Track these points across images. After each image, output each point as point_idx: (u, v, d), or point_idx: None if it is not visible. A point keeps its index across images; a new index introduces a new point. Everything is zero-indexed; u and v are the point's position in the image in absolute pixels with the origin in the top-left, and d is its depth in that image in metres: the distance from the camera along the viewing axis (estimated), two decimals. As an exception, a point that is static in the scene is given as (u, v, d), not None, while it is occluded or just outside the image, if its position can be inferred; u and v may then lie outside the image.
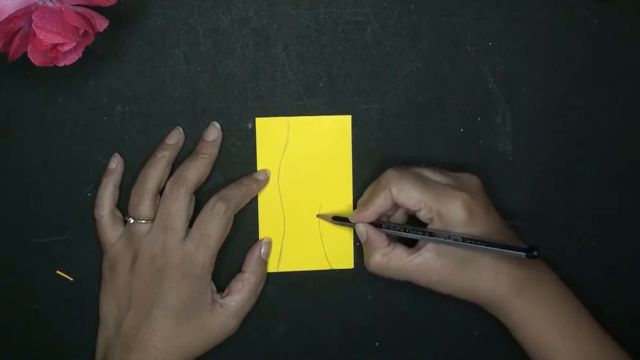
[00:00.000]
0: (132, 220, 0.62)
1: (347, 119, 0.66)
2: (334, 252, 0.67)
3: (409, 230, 0.61)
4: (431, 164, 0.66)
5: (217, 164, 0.65)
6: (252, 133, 0.66)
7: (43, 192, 0.65)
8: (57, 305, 0.67)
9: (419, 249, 0.61)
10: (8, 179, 0.65)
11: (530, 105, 0.67)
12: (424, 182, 0.61)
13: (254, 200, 0.66)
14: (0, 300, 0.66)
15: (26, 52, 0.56)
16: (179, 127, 0.64)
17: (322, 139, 0.66)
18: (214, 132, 0.64)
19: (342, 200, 0.67)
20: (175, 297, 0.61)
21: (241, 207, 0.64)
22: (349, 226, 0.65)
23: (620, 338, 0.64)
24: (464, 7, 0.66)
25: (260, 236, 0.67)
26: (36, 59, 0.56)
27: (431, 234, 0.60)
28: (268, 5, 0.64)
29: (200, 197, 0.64)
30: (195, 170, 0.62)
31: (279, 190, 0.66)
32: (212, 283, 0.63)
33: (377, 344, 0.69)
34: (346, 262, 0.68)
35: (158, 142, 0.65)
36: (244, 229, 0.66)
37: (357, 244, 0.67)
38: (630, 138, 0.68)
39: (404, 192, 0.61)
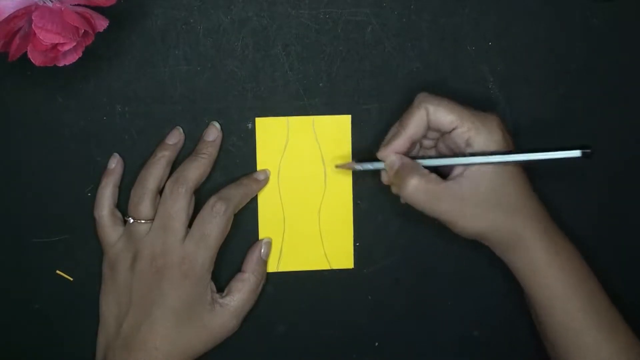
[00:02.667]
0: (132, 220, 0.62)
1: (346, 119, 0.66)
2: (334, 251, 0.67)
3: (449, 157, 0.60)
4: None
5: (217, 164, 0.65)
6: (252, 133, 0.66)
7: (43, 192, 0.65)
8: (57, 305, 0.67)
9: (455, 177, 0.59)
10: (8, 179, 0.65)
11: (530, 105, 0.67)
12: (458, 103, 0.60)
13: (254, 199, 0.66)
14: (0, 300, 0.66)
15: (26, 52, 0.56)
16: (178, 127, 0.65)
17: (322, 138, 0.66)
18: (213, 132, 0.64)
19: (342, 199, 0.67)
20: (175, 297, 0.61)
21: (241, 207, 0.64)
22: (376, 167, 0.63)
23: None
24: (464, 7, 0.66)
25: (260, 236, 0.67)
26: (36, 59, 0.56)
27: (472, 155, 0.58)
28: (268, 5, 0.64)
29: (200, 197, 0.64)
30: (195, 170, 0.63)
31: (279, 190, 0.66)
32: (212, 283, 0.63)
33: (376, 344, 0.69)
34: (346, 262, 0.67)
35: (158, 142, 0.65)
36: (244, 229, 0.66)
37: (357, 244, 0.67)
38: (630, 138, 0.68)
39: (441, 108, 0.59)
